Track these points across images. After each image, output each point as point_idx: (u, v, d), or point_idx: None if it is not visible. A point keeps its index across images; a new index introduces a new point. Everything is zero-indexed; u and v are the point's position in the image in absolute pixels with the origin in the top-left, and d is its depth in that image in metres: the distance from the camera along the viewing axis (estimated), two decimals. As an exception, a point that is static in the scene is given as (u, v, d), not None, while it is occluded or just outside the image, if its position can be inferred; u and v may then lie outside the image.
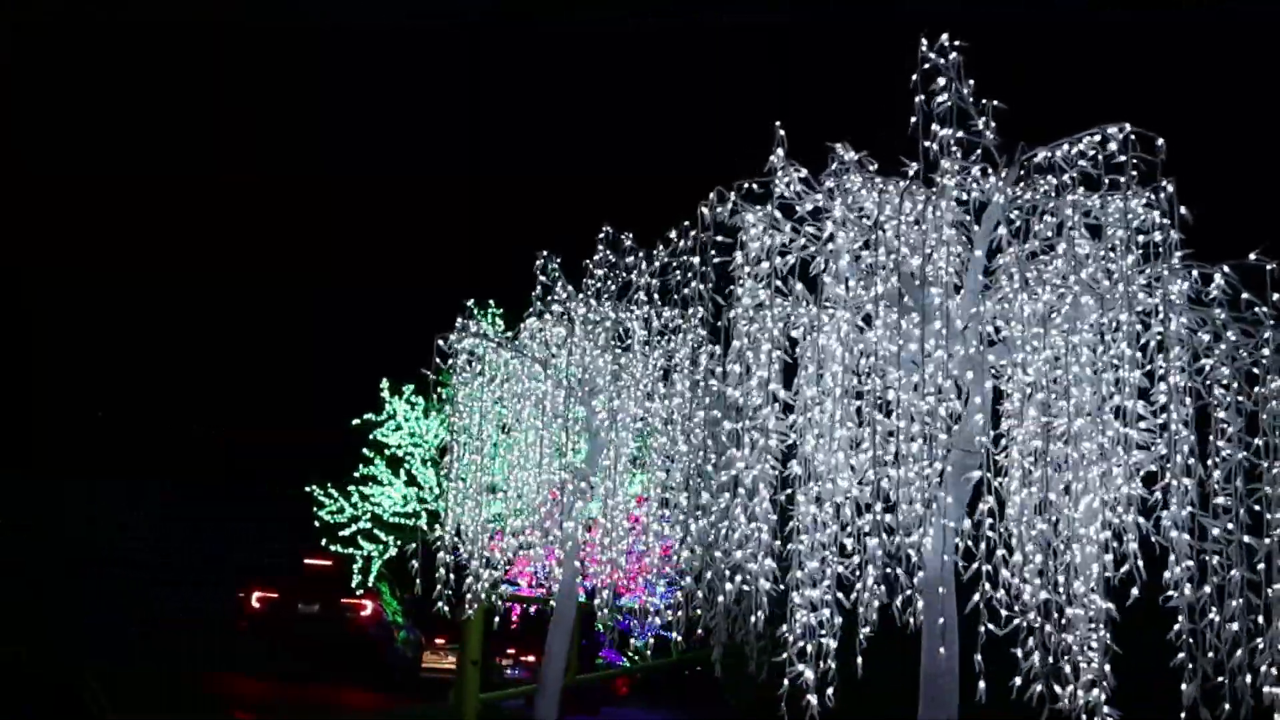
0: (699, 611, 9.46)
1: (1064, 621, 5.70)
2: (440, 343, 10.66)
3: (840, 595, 6.21)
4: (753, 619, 6.29)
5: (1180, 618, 5.76)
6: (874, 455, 5.96)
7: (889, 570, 6.06)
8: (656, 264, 9.98)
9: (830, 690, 5.99)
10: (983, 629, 5.77)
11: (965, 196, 5.99)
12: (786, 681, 6.26)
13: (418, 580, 10.67)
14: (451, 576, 10.25)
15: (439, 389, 16.13)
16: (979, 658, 5.67)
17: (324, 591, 17.81)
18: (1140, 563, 5.83)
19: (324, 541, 16.45)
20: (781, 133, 6.18)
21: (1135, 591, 5.78)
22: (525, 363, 9.89)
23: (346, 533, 16.21)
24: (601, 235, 10.55)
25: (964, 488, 6.14)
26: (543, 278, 10.45)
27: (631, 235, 10.52)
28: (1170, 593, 5.74)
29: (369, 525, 16.10)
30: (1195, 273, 6.08)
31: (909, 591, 5.96)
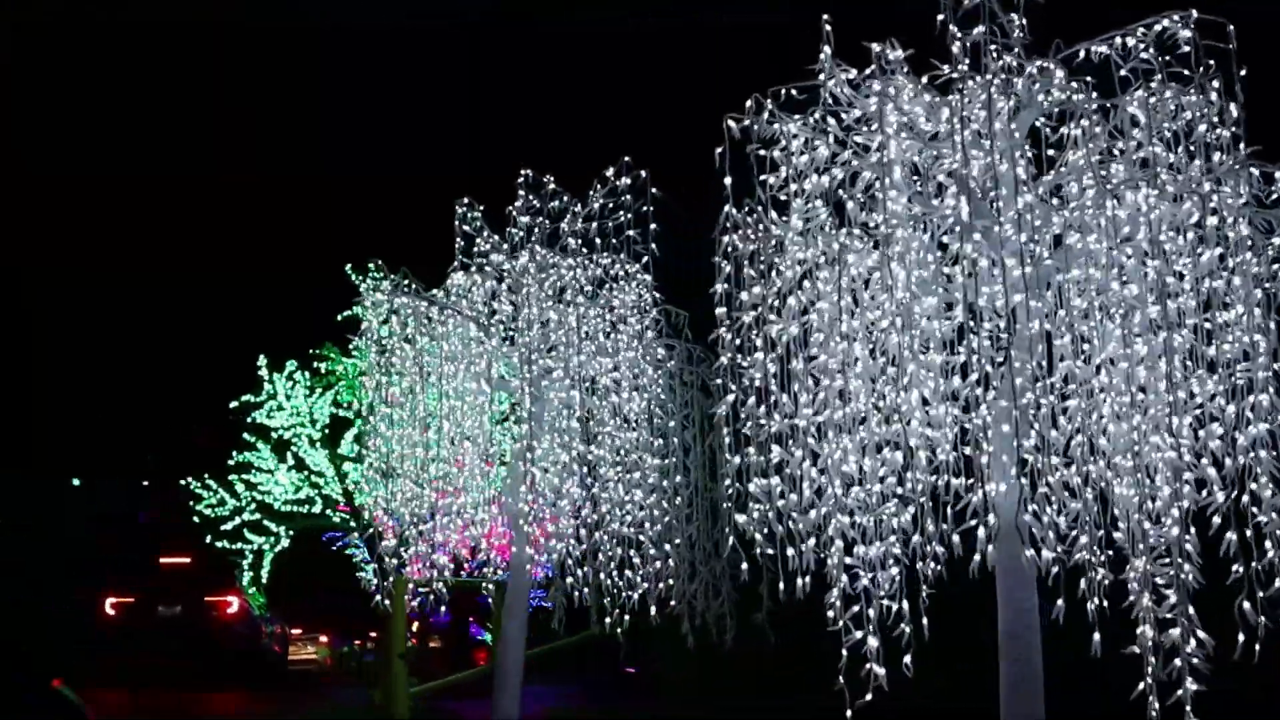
0: (671, 582, 8.74)
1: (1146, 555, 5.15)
2: (358, 308, 9.53)
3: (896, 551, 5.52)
4: (801, 581, 5.56)
5: (1269, 546, 5.27)
6: (938, 390, 5.28)
7: (945, 524, 5.42)
8: (595, 204, 9.07)
9: (906, 658, 5.31)
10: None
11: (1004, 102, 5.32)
12: (845, 652, 5.57)
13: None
14: (379, 563, 9.20)
15: (322, 361, 14.96)
16: (1094, 604, 5.07)
17: (185, 591, 16.76)
18: (1221, 491, 5.32)
19: (208, 538, 14.98)
20: (829, 28, 5.36)
21: (1217, 520, 5.27)
22: (456, 321, 8.83)
23: (229, 526, 14.76)
24: (521, 179, 9.55)
25: (1024, 420, 5.51)
26: (466, 228, 9.39)
27: (553, 179, 9.56)
28: (1261, 517, 5.23)
29: (256, 516, 14.69)
30: (1256, 172, 5.57)
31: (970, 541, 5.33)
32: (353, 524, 15.55)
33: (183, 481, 15.17)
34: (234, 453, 15.13)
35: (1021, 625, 5.41)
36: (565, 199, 9.48)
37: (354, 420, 14.93)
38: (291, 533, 15.41)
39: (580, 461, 8.35)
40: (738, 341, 5.81)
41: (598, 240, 8.95)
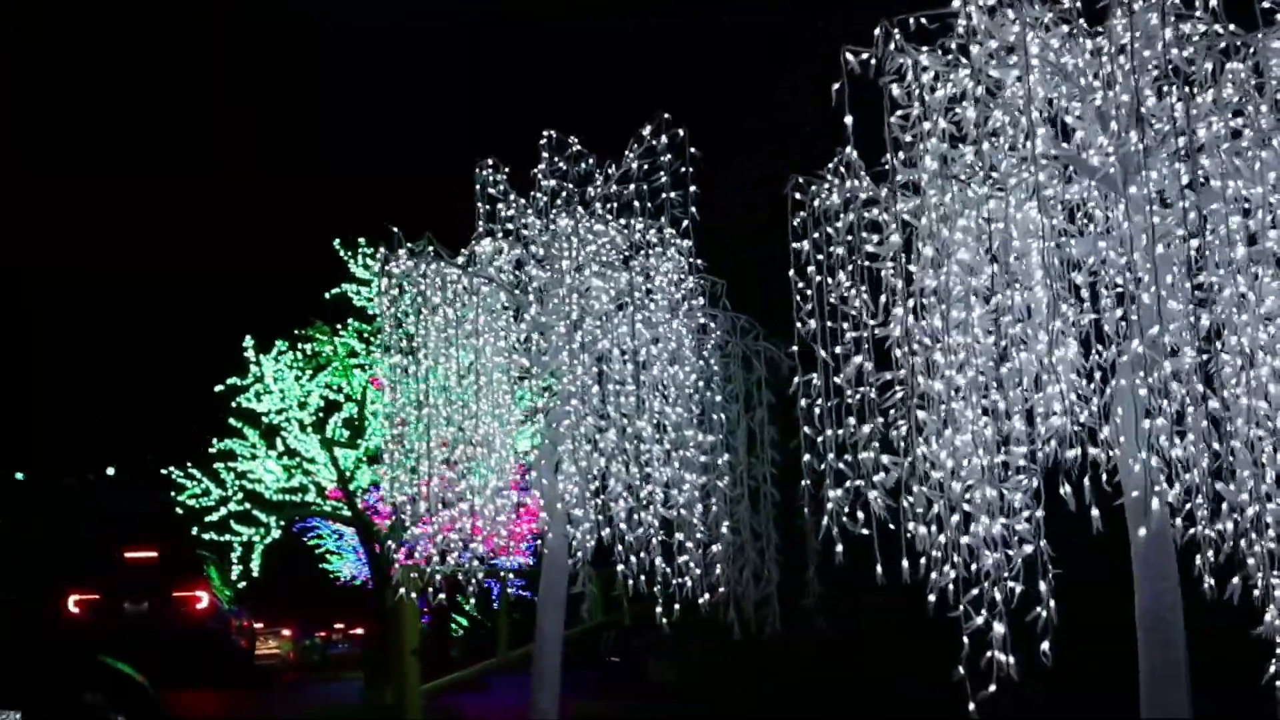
0: (720, 568, 8.19)
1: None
2: (372, 278, 8.88)
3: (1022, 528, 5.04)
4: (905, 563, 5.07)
5: None
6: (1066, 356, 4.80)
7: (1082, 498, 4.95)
8: (630, 165, 8.49)
9: (1044, 644, 4.83)
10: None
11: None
12: (966, 639, 5.09)
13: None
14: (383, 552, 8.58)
15: (309, 342, 14.20)
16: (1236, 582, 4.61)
17: (152, 587, 16.27)
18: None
19: (195, 530, 14.20)
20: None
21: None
22: (487, 290, 8.21)
23: (215, 517, 13.99)
24: (544, 140, 8.95)
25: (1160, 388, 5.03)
26: (491, 191, 8.76)
27: (578, 141, 8.97)
28: None
29: (243, 506, 13.94)
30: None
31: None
32: (346, 512, 14.83)
33: (164, 471, 14.40)
34: (214, 440, 14.36)
35: (1163, 607, 4.95)
36: (591, 161, 8.91)
37: (343, 404, 14.23)
38: (282, 523, 14.69)
39: (628, 439, 7.77)
40: (818, 303, 5.26)
41: (635, 204, 8.37)
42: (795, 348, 6.50)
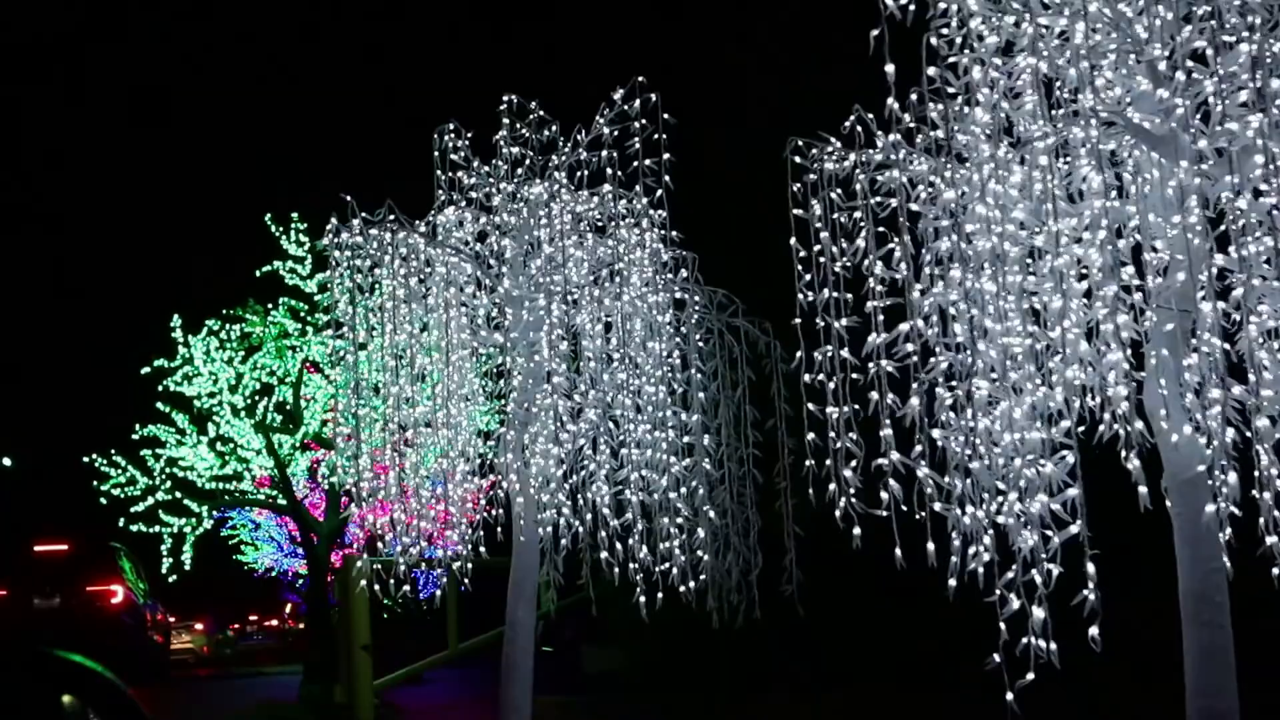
0: (702, 555, 7.82)
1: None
2: (323, 249, 8.30)
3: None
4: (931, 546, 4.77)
5: None
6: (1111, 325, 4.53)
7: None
8: (601, 131, 8.05)
9: (1093, 629, 4.57)
10: None
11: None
12: (1003, 625, 4.82)
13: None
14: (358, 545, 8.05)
15: (239, 323, 13.48)
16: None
17: (64, 581, 15.52)
18: None
19: (121, 521, 13.39)
20: None
21: None
22: (451, 263, 7.71)
23: (142, 507, 13.21)
24: (504, 105, 8.48)
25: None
26: (454, 158, 8.25)
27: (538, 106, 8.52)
28: None
29: (171, 495, 13.17)
30: None
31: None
32: (281, 500, 14.14)
33: (86, 459, 13.55)
34: (137, 425, 13.57)
35: (1210, 586, 4.71)
36: (555, 128, 8.45)
37: (276, 387, 13.54)
38: (214, 513, 13.96)
39: (605, 419, 7.36)
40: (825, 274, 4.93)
41: (609, 171, 7.94)
42: (799, 320, 6.20)
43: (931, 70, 4.77)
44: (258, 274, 13.31)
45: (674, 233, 8.09)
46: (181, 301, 13.37)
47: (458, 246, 7.75)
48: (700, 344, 7.72)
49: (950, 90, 4.74)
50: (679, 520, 7.34)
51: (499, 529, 7.96)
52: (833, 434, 5.72)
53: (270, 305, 13.30)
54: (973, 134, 4.60)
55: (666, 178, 7.93)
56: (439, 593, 10.66)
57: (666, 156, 7.95)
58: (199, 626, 31.22)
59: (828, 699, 10.91)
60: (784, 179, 6.52)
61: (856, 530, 5.66)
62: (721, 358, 7.99)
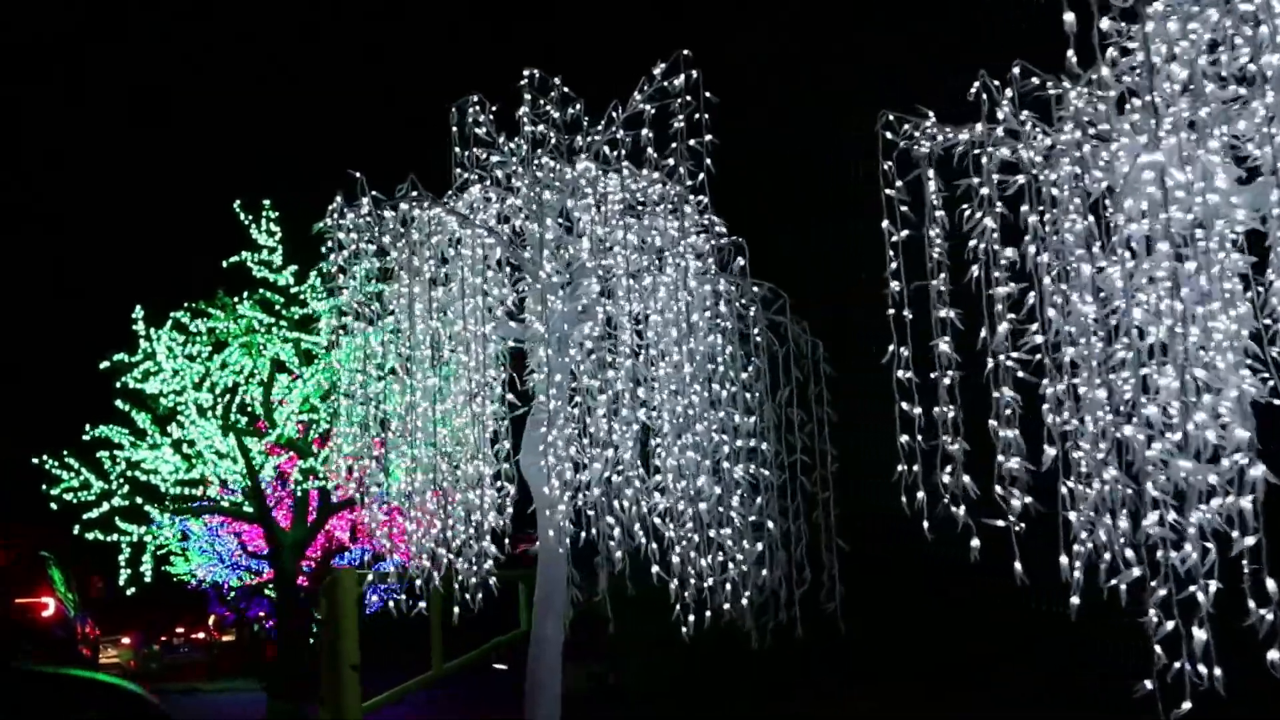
0: (746, 570, 7.19)
1: None
2: (330, 221, 7.55)
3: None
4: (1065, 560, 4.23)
5: None
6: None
7: None
8: (638, 108, 7.42)
9: (1272, 653, 4.04)
10: None
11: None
12: (1158, 649, 4.30)
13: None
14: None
15: (203, 318, 12.56)
16: None
17: None
18: None
19: (77, 529, 12.35)
20: None
21: None
22: (474, 247, 7.00)
23: (96, 514, 12.20)
24: (525, 80, 7.82)
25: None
26: (478, 132, 7.55)
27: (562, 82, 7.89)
28: None
29: (127, 501, 12.17)
30: None
31: None
32: (247, 508, 13.21)
33: (35, 460, 12.49)
34: (88, 425, 12.56)
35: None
36: (579, 107, 7.81)
37: (241, 386, 12.61)
38: (176, 520, 12.97)
39: (657, 418, 6.70)
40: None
41: (649, 150, 7.30)
42: (892, 310, 5.66)
43: (1105, 23, 4.22)
44: (224, 265, 12.42)
45: (719, 219, 7.49)
46: (144, 293, 12.39)
47: (490, 226, 7.04)
48: (758, 339, 7.10)
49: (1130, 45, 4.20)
50: (729, 531, 6.71)
51: (506, 539, 7.27)
52: (945, 437, 5.20)
53: (237, 299, 12.40)
54: (1163, 93, 4.04)
55: (709, 160, 7.32)
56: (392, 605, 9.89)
57: (709, 138, 7.34)
58: (126, 640, 29.75)
59: (855, 705, 10.38)
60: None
61: (975, 543, 5.11)
62: (764, 356, 7.37)
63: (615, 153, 7.39)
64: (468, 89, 7.85)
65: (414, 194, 7.09)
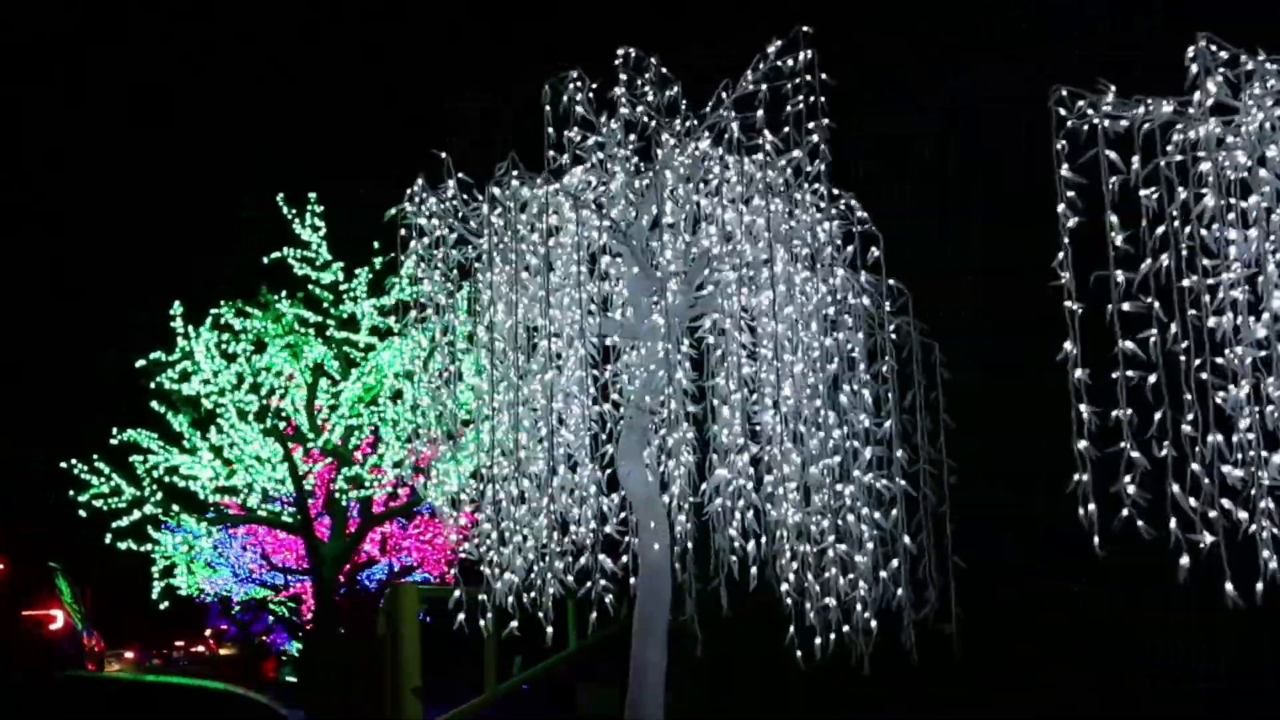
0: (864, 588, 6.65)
1: None
2: (409, 205, 7.06)
3: None
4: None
5: None
6: None
7: None
8: (748, 87, 6.94)
9: None
10: None
11: None
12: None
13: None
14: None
15: (245, 316, 12.04)
16: None
17: None
18: None
19: (108, 538, 11.76)
20: None
21: None
22: (602, 230, 6.47)
23: (125, 522, 11.63)
24: (620, 59, 7.37)
25: None
26: (580, 110, 7.07)
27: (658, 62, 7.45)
28: None
29: (160, 509, 11.61)
30: None
31: None
32: (286, 518, 12.63)
33: (63, 465, 11.91)
34: (115, 429, 11.99)
35: None
36: (677, 89, 7.33)
37: (285, 390, 12.06)
38: (213, 531, 12.42)
39: (784, 421, 6.18)
40: None
41: (765, 134, 6.80)
42: (1071, 304, 5.20)
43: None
44: (265, 261, 11.88)
45: (852, 205, 6.96)
46: (175, 290, 11.85)
47: (604, 211, 6.54)
48: (892, 337, 6.60)
49: None
50: (864, 546, 6.20)
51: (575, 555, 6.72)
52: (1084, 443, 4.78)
53: (276, 297, 11.86)
54: None
55: (824, 146, 6.83)
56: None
57: (825, 121, 6.86)
58: (129, 655, 29.17)
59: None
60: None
61: (1184, 560, 4.61)
62: (892, 356, 6.86)
63: (727, 136, 6.90)
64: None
65: (514, 173, 6.59)
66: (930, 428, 6.90)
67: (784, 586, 5.99)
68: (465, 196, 7.23)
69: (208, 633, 40.19)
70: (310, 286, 11.91)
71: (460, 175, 7.15)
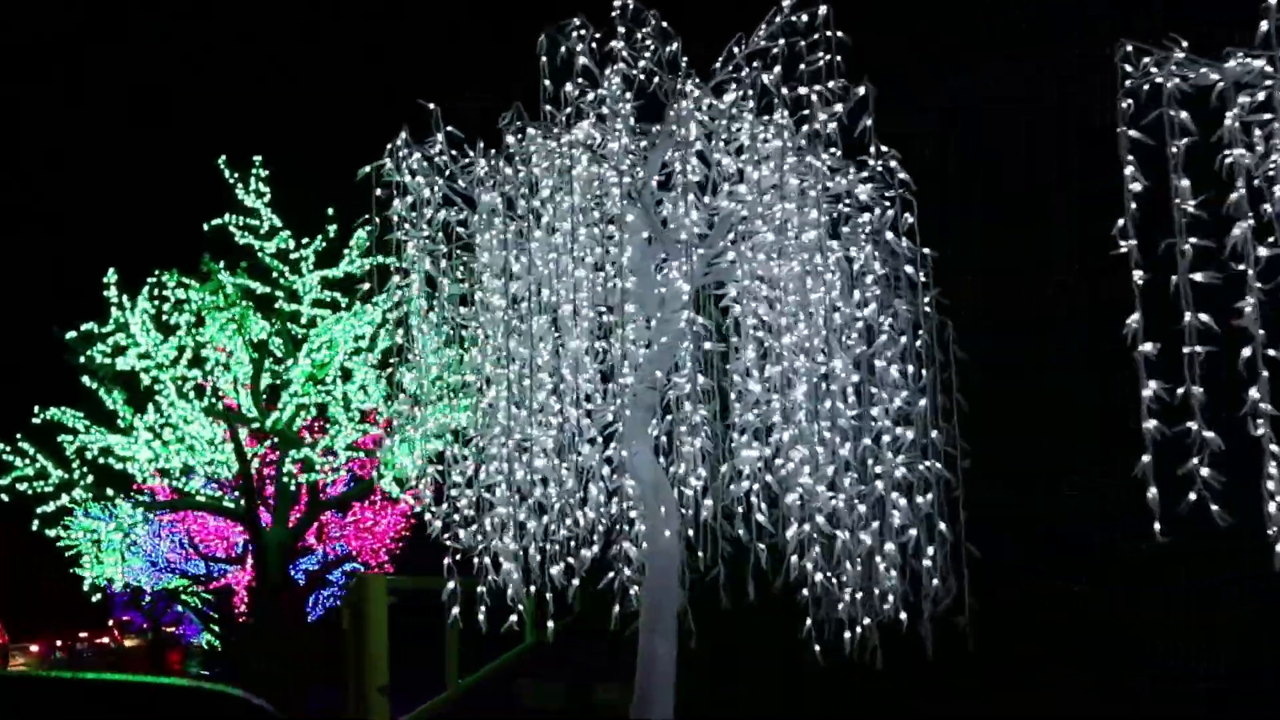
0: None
1: None
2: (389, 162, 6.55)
3: None
4: None
5: None
6: None
7: None
8: (760, 42, 6.55)
9: None
10: None
11: None
12: None
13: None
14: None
15: (181, 286, 11.31)
16: None
17: None
18: None
19: (35, 525, 10.95)
20: None
21: None
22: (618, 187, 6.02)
23: (52, 507, 10.84)
24: (617, 9, 6.96)
25: None
26: (584, 61, 6.61)
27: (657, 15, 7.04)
28: None
29: (90, 493, 10.83)
30: None
31: None
32: (229, 505, 11.96)
33: (-13, 442, 11.06)
34: (36, 408, 11.18)
35: None
36: (676, 45, 6.91)
37: (227, 363, 11.34)
38: (150, 516, 11.65)
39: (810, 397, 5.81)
40: None
41: (781, 93, 6.40)
42: (1138, 273, 4.93)
43: None
44: (205, 228, 11.16)
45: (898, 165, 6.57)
46: (115, 258, 11.05)
47: (618, 167, 6.08)
48: (906, 312, 6.25)
49: None
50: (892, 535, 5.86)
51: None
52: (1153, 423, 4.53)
53: (219, 267, 11.14)
54: None
55: (839, 106, 6.45)
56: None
57: (841, 82, 6.48)
58: (34, 649, 27.89)
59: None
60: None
61: (1280, 549, 4.34)
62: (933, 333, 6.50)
63: (741, 92, 6.48)
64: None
65: (518, 124, 6.12)
66: (946, 407, 6.60)
67: (818, 576, 5.61)
68: (454, 152, 6.74)
69: (110, 624, 39.07)
70: (260, 255, 11.21)
71: (450, 129, 6.65)
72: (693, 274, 5.79)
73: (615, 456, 6.31)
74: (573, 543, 6.25)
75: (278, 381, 11.41)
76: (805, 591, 5.92)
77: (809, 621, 5.88)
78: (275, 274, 11.09)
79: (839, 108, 6.00)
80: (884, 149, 5.98)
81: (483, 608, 6.10)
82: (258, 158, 11.20)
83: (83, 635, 41.15)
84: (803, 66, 6.60)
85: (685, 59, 7.23)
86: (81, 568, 21.28)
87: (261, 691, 11.43)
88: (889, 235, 6.07)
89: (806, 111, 6.31)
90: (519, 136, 6.20)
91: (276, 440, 11.30)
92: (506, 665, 11.42)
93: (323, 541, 17.61)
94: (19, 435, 10.98)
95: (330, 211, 11.15)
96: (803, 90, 6.23)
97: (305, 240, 11.37)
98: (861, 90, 5.85)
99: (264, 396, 11.20)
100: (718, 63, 6.80)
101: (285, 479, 11.29)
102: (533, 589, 6.14)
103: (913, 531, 6.07)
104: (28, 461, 10.88)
